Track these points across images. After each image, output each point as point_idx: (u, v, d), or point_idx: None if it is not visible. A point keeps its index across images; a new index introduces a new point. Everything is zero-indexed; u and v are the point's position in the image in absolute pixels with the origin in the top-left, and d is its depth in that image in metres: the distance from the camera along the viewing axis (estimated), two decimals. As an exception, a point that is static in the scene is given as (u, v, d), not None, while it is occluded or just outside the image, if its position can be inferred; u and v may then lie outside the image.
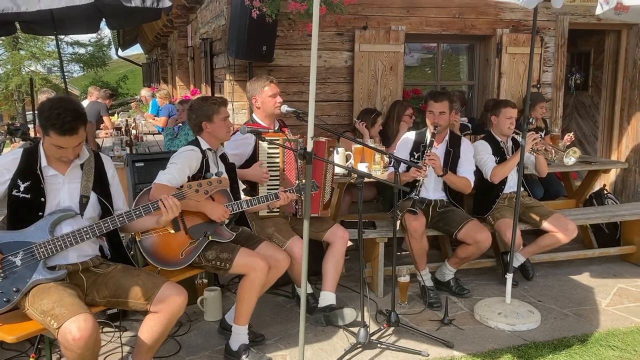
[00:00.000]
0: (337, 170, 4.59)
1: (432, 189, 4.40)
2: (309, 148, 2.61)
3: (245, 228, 3.66)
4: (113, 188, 2.93)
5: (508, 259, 4.48)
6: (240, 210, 3.37)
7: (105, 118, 8.82)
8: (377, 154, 4.74)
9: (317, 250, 4.31)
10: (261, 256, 3.33)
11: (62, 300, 2.54)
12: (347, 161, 4.74)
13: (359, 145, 4.72)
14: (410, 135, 4.46)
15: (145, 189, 3.22)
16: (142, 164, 4.02)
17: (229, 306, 3.97)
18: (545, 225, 4.35)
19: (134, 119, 8.72)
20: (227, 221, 3.42)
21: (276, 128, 4.04)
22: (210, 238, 3.30)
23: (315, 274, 4.49)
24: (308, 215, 2.74)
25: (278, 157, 3.83)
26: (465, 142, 4.39)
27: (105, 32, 26.52)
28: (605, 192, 5.52)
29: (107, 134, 7.64)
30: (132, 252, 3.67)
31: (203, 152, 3.36)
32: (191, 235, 3.26)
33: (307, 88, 5.66)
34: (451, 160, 4.31)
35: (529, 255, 4.49)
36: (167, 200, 2.79)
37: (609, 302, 4.20)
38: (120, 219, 2.75)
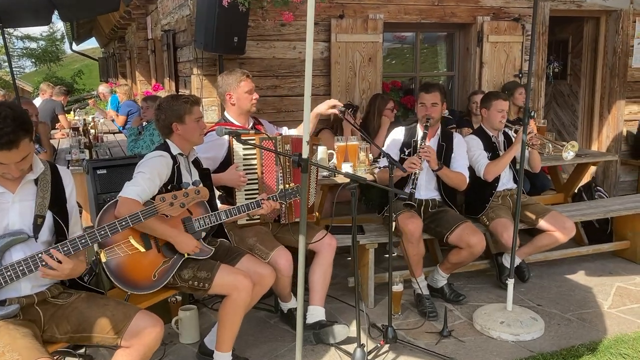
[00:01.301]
0: (321, 170, 4.24)
1: (423, 187, 4.09)
2: (305, 154, 2.25)
3: (224, 240, 3.28)
4: (69, 205, 2.51)
5: (502, 260, 4.25)
6: (219, 222, 2.99)
7: (61, 117, 8.25)
8: (362, 152, 4.41)
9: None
10: (244, 273, 2.97)
11: (14, 343, 2.13)
12: (329, 160, 4.40)
13: (341, 143, 4.38)
14: (399, 133, 4.14)
15: (109, 203, 2.81)
16: (104, 171, 3.58)
17: (207, 325, 3.61)
18: (542, 224, 4.10)
19: (92, 117, 8.16)
20: (204, 234, 3.04)
21: (250, 126, 3.67)
22: (186, 255, 2.91)
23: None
24: (304, 232, 2.38)
25: (255, 158, 3.46)
26: (457, 137, 4.10)
27: (58, 25, 25.41)
28: (594, 185, 5.33)
29: (63, 134, 7.09)
30: (96, 272, 3.25)
31: (174, 157, 2.96)
32: (164, 253, 2.87)
33: (281, 82, 5.28)
34: (444, 155, 4.02)
35: (525, 256, 4.24)
36: None
37: (611, 303, 3.98)
38: (83, 241, 2.34)
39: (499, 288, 4.24)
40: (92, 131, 6.49)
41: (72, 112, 12.50)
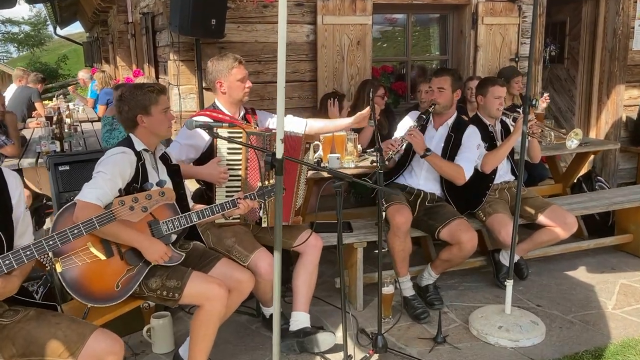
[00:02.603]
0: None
1: (422, 178, 3.82)
2: (279, 153, 1.95)
3: (198, 243, 3.00)
4: (16, 215, 2.21)
5: (500, 257, 4.00)
6: (189, 225, 2.70)
7: (37, 104, 7.88)
8: (349, 143, 4.11)
9: (284, 253, 3.68)
10: (218, 281, 2.69)
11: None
12: (315, 152, 4.11)
13: (327, 134, 4.08)
14: (412, 116, 3.87)
15: (66, 206, 2.51)
16: (66, 167, 3.27)
17: (183, 331, 3.34)
18: (542, 219, 3.84)
19: (67, 105, 7.80)
20: (173, 238, 2.75)
21: (240, 116, 3.36)
22: (153, 263, 2.62)
23: (284, 284, 3.88)
24: (279, 247, 2.10)
25: (240, 153, 3.16)
26: (471, 129, 3.79)
27: (43, 9, 24.69)
28: (594, 174, 5.08)
29: (38, 123, 6.73)
30: (51, 284, 2.95)
31: (138, 154, 2.66)
32: (128, 260, 2.58)
33: (265, 68, 4.97)
34: (451, 147, 3.74)
35: (524, 253, 3.99)
36: None
37: (615, 303, 3.75)
38: (28, 253, 2.05)
39: (496, 287, 3.99)
40: (68, 120, 6.13)
41: (55, 99, 12.12)
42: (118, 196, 2.23)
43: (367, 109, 3.46)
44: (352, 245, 3.63)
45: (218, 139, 3.03)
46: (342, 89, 5.05)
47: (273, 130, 3.22)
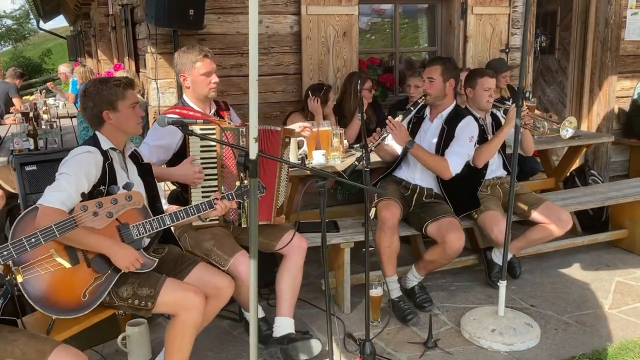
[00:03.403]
0: (290, 158, 3.78)
1: (418, 172, 3.67)
2: (253, 153, 1.78)
3: (173, 247, 2.82)
4: None
5: (492, 256, 3.86)
6: (162, 228, 2.53)
7: (16, 100, 7.64)
8: (335, 138, 3.94)
9: (268, 254, 3.52)
10: (194, 289, 2.52)
11: None
12: (299, 148, 3.94)
13: (313, 130, 3.90)
14: (409, 106, 3.72)
15: (26, 210, 2.33)
16: (33, 167, 3.08)
17: (161, 339, 3.16)
18: (535, 215, 3.70)
19: (45, 101, 7.56)
20: (145, 242, 2.58)
21: (212, 112, 3.18)
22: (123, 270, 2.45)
23: (267, 286, 3.73)
24: (255, 255, 1.93)
25: (215, 150, 2.98)
26: (465, 121, 3.60)
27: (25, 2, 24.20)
28: (587, 168, 4.95)
29: (14, 120, 6.51)
30: (11, 295, 2.75)
31: (104, 153, 2.47)
32: (95, 267, 2.40)
33: (247, 60, 4.71)
34: (444, 140, 3.58)
35: (517, 251, 3.84)
36: None
37: (612, 302, 3.61)
38: (-21, 263, 1.87)
39: (488, 287, 3.85)
40: (45, 116, 5.92)
41: (39, 92, 11.80)
42: (81, 200, 2.04)
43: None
44: (338, 246, 3.46)
45: (190, 137, 2.84)
46: (328, 82, 4.87)
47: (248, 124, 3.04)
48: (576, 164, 5.34)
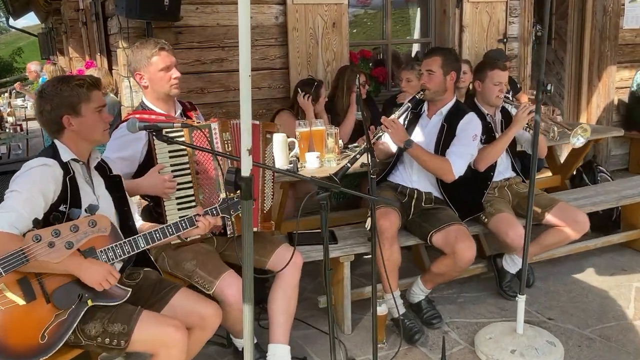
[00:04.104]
0: (280, 162, 3.42)
1: (415, 173, 3.33)
2: (246, 168, 1.40)
3: (150, 271, 2.44)
4: None
5: (503, 263, 3.55)
6: (136, 252, 2.15)
7: (-20, 102, 7.15)
8: (330, 139, 3.58)
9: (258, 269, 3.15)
10: (175, 323, 2.14)
11: None
12: (290, 150, 3.57)
13: (304, 129, 3.54)
14: (407, 102, 3.37)
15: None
16: (-14, 180, 2.67)
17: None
18: (550, 218, 3.38)
19: (9, 102, 7.08)
20: (116, 269, 2.19)
21: (178, 113, 2.80)
22: (90, 303, 2.06)
23: (259, 303, 3.36)
24: (249, 288, 1.57)
25: (186, 155, 2.59)
26: (468, 118, 3.26)
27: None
28: (595, 164, 4.65)
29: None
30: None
31: (65, 166, 2.08)
32: (57, 303, 2.01)
33: (229, 54, 4.38)
34: (444, 139, 3.24)
35: (530, 257, 3.48)
36: None
37: (634, 312, 3.32)
38: None
39: (499, 297, 3.54)
40: (10, 119, 5.47)
41: (8, 94, 11.23)
42: (32, 229, 1.66)
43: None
44: (337, 260, 3.11)
45: (156, 142, 2.46)
46: (317, 77, 4.51)
47: (231, 120, 2.68)
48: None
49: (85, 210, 1.82)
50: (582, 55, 6.15)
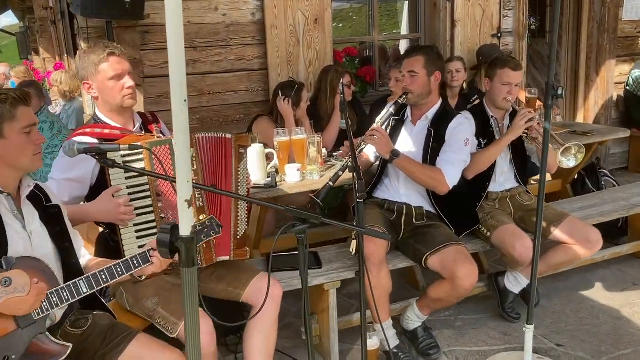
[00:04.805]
0: (257, 176, 3.07)
1: (403, 185, 3.00)
2: (185, 226, 1.05)
3: (100, 314, 2.08)
4: None
5: (505, 283, 3.22)
6: (78, 299, 1.79)
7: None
8: (312, 148, 3.22)
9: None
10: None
11: None
12: (269, 162, 3.22)
13: (283, 138, 3.19)
14: (389, 108, 3.00)
15: None
16: None
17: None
18: (557, 234, 3.06)
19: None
20: (56, 319, 1.84)
21: (137, 126, 2.44)
22: (19, 366, 1.71)
23: (235, 332, 3.02)
24: None
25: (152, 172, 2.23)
26: (456, 121, 2.93)
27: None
28: (598, 167, 4.34)
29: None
30: None
31: (-16, 200, 1.72)
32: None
33: (202, 55, 4.02)
34: (432, 147, 2.91)
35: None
36: None
37: (651, 335, 3.01)
38: None
39: (501, 319, 3.22)
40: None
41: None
42: None
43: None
44: (322, 287, 2.76)
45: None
46: (299, 78, 4.16)
47: (196, 134, 2.32)
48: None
49: (1, 263, 1.47)
50: (579, 49, 5.85)
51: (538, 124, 3.07)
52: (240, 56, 4.10)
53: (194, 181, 2.28)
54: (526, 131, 3.07)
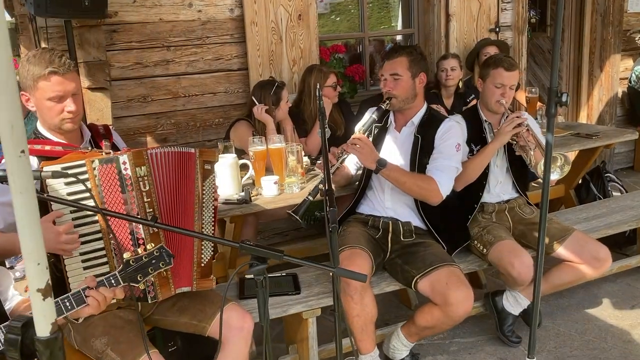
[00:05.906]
0: (229, 190, 2.79)
1: (388, 198, 2.72)
2: (43, 328, 0.76)
3: None
4: None
5: (503, 303, 2.96)
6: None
7: None
8: (292, 157, 2.93)
9: (199, 336, 2.52)
10: None
11: None
12: (243, 174, 2.94)
13: (259, 147, 2.90)
14: (371, 115, 2.72)
15: None
16: None
17: None
18: (562, 252, 2.78)
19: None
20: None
21: (86, 141, 2.15)
22: None
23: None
24: None
25: (92, 196, 1.92)
26: (445, 125, 2.66)
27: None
28: (604, 171, 4.05)
29: None
30: None
31: None
32: None
33: (175, 55, 3.72)
34: (419, 154, 2.64)
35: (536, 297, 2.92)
36: None
37: (665, 362, 2.74)
38: None
39: (499, 343, 2.94)
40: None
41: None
42: None
43: None
44: (300, 315, 2.48)
45: (49, 182, 1.81)
46: (282, 78, 3.87)
47: (148, 149, 2.03)
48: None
49: None
50: (581, 43, 5.56)
51: (527, 130, 2.78)
52: (217, 55, 3.81)
53: (146, 203, 2.00)
54: (515, 138, 2.79)
